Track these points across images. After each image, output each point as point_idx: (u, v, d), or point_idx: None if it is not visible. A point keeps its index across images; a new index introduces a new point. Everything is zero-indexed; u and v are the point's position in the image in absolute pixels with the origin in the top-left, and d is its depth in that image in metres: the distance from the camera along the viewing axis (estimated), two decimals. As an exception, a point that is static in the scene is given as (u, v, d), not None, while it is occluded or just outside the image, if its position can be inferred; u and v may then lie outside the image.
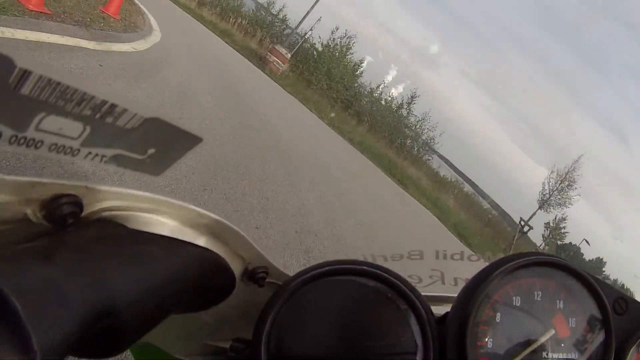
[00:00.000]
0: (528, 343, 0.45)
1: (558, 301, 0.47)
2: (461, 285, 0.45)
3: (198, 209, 0.35)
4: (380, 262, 0.44)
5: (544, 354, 0.45)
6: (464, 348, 0.41)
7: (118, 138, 0.28)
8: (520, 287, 0.46)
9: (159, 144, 0.29)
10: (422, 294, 0.45)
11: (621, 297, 0.49)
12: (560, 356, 0.46)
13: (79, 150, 0.27)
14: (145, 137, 0.29)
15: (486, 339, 0.44)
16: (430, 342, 0.41)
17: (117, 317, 0.30)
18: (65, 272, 0.28)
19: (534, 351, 0.44)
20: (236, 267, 0.40)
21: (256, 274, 0.41)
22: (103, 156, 0.28)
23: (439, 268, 0.47)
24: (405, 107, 23.92)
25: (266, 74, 16.74)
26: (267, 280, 0.42)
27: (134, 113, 0.27)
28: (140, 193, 0.32)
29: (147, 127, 0.28)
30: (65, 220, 0.29)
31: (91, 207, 0.31)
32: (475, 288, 0.44)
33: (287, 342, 0.40)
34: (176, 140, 0.30)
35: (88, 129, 0.26)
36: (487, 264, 0.47)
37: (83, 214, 0.31)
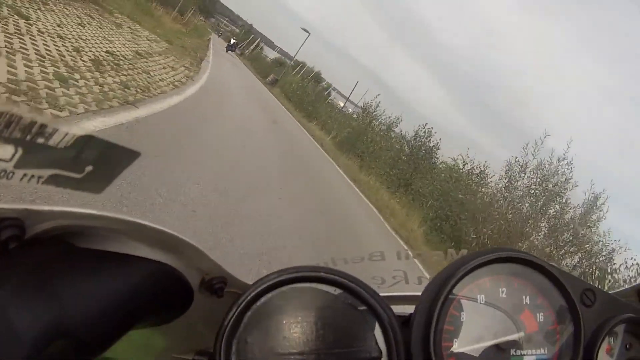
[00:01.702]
0: (495, 340, 0.44)
1: (524, 297, 0.47)
2: (425, 284, 0.45)
3: (148, 223, 0.35)
4: (340, 265, 0.44)
5: (513, 351, 0.45)
6: (428, 351, 0.41)
7: (53, 158, 0.28)
8: (485, 284, 0.46)
9: (96, 162, 0.29)
10: (386, 294, 0.44)
11: (588, 288, 0.49)
12: (530, 352, 0.46)
13: (13, 172, 0.27)
14: (81, 156, 0.29)
15: (452, 340, 0.43)
16: (394, 346, 0.41)
17: (71, 337, 0.30)
18: (11, 296, 0.28)
19: (502, 349, 0.44)
20: (193, 279, 0.40)
21: (214, 285, 0.41)
22: (39, 177, 0.28)
23: (401, 268, 0.47)
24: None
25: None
26: (226, 290, 0.42)
27: (65, 132, 0.27)
28: (86, 211, 0.32)
29: (81, 145, 0.28)
30: (6, 245, 0.29)
31: (35, 229, 0.31)
32: (438, 288, 0.43)
33: (250, 353, 0.39)
34: (114, 157, 0.30)
35: (20, 151, 0.26)
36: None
37: (27, 236, 0.31)
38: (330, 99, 29.76)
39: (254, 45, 43.36)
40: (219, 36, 43.32)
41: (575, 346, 0.47)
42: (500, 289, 0.46)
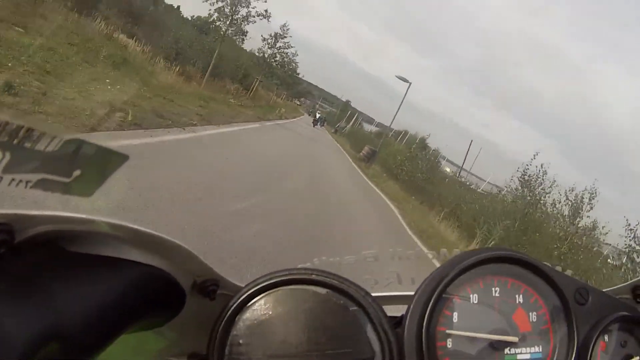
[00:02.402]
0: (489, 340, 0.44)
1: (517, 296, 0.47)
2: (418, 284, 0.45)
3: (137, 227, 0.34)
4: (334, 266, 0.44)
5: (507, 350, 0.45)
6: (421, 350, 0.41)
7: (41, 162, 0.28)
8: (478, 284, 0.46)
9: (84, 165, 0.29)
10: (379, 294, 0.44)
11: (582, 287, 0.49)
12: (524, 351, 0.45)
13: (1, 177, 0.27)
14: (69, 159, 0.28)
15: (445, 339, 0.43)
16: (387, 346, 0.40)
17: (63, 341, 0.30)
18: (1, 301, 0.28)
19: (496, 348, 0.44)
20: (185, 282, 0.40)
21: (206, 288, 0.41)
22: (28, 182, 0.28)
23: (394, 268, 0.47)
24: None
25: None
26: (218, 292, 0.41)
27: (53, 136, 0.27)
28: (76, 215, 0.32)
29: (69, 149, 0.28)
30: None
31: (25, 234, 0.31)
32: (431, 288, 0.43)
33: (242, 355, 0.39)
34: (102, 160, 0.30)
35: (8, 156, 0.26)
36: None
37: (17, 241, 0.30)
38: (440, 168, 21.84)
39: (352, 121, 42.66)
40: (309, 114, 45.11)
41: (570, 345, 0.47)
42: (494, 289, 0.46)
